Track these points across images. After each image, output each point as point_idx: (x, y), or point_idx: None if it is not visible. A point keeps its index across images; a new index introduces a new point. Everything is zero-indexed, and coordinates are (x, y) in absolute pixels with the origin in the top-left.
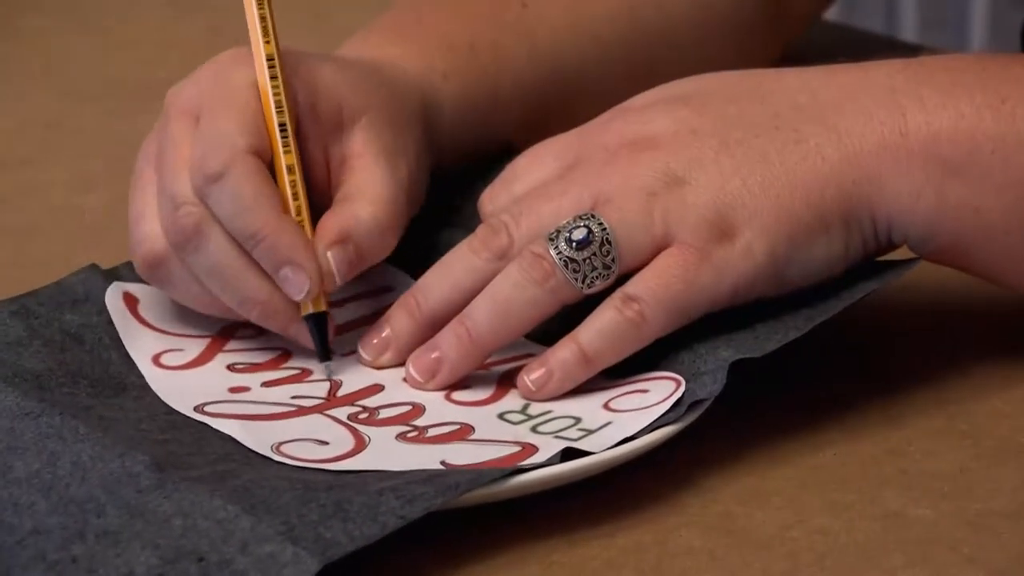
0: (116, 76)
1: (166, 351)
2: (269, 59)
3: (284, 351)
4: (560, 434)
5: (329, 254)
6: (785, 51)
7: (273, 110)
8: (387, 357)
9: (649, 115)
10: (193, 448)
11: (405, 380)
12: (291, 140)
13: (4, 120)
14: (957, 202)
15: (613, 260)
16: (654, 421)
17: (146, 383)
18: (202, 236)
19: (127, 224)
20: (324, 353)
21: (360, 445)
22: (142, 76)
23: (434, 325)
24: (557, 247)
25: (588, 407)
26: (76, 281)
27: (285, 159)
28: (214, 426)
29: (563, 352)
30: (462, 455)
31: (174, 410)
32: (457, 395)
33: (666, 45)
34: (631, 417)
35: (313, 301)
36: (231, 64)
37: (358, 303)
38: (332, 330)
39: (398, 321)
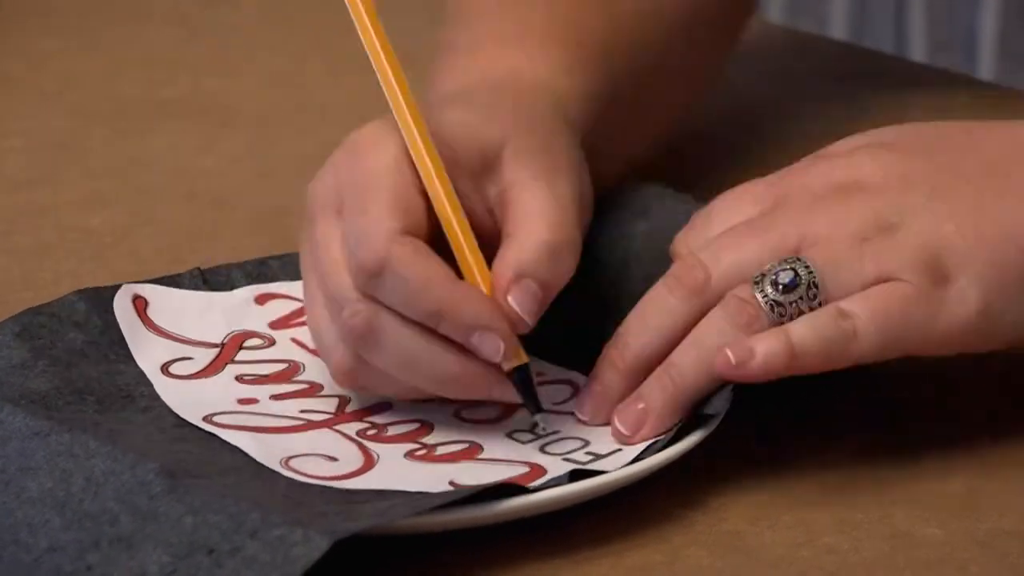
0: (126, 96)
1: (175, 360)
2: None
3: (291, 363)
4: (568, 456)
5: (510, 298)
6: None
7: (432, 171)
8: (601, 415)
9: (856, 159)
10: (203, 458)
11: (612, 435)
12: (450, 192)
13: (14, 140)
14: None
15: (820, 304)
16: (663, 444)
17: (154, 392)
18: (376, 332)
19: (139, 242)
20: (535, 405)
21: (369, 463)
22: (152, 96)
23: (638, 373)
24: (763, 290)
25: (597, 431)
26: (76, 299)
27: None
28: (223, 437)
29: (771, 341)
30: (471, 475)
31: (183, 420)
32: (466, 413)
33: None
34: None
35: (512, 356)
36: (367, 146)
37: None
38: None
39: (605, 375)
